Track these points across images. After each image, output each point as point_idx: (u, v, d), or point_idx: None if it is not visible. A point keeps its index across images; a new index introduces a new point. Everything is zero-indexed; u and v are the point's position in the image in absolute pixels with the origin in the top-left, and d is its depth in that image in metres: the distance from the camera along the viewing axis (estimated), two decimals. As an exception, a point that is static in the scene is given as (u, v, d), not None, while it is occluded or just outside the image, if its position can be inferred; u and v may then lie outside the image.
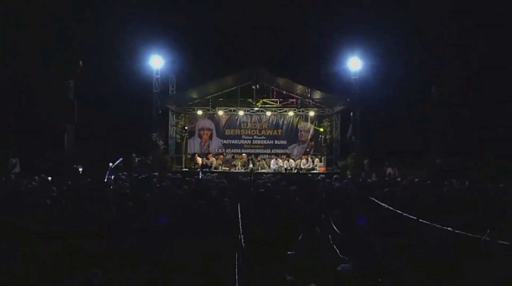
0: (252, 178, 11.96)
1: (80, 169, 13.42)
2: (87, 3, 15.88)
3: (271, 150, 18.85)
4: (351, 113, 17.03)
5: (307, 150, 18.94)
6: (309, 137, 19.10)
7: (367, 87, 16.83)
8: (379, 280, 4.08)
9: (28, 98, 14.60)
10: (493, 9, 15.94)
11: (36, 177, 9.96)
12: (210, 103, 17.90)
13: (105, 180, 11.18)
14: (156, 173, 12.85)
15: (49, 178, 10.29)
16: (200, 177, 12.51)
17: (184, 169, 16.87)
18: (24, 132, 14.15)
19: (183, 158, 17.98)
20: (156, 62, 16.72)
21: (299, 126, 19.13)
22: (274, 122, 19.09)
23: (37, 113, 14.76)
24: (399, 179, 12.29)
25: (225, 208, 6.52)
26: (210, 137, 19.07)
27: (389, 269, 4.36)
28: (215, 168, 16.81)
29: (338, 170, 16.63)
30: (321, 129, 18.67)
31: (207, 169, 16.03)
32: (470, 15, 16.66)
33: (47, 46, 14.94)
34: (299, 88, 17.80)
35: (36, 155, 13.41)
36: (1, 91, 13.99)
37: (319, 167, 17.39)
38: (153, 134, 16.43)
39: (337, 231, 5.85)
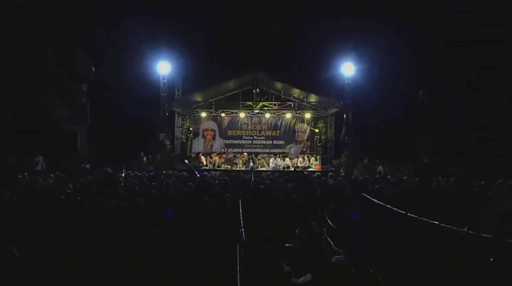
0: (252, 175, 11.93)
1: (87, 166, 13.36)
2: (100, 12, 15.88)
3: (270, 150, 18.85)
4: (345, 115, 17.05)
5: (304, 149, 18.96)
6: (305, 137, 19.12)
7: (359, 91, 16.85)
8: (371, 270, 4.08)
9: (44, 102, 14.65)
10: (478, 17, 15.96)
11: (51, 175, 9.95)
12: (213, 106, 17.94)
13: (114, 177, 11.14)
14: (164, 171, 12.84)
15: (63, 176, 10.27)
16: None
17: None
18: (42, 133, 14.17)
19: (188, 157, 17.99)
20: (163, 67, 16.73)
21: (296, 127, 19.15)
22: (273, 124, 19.10)
23: (53, 116, 14.81)
24: (389, 176, 12.28)
25: (227, 203, 6.53)
26: (213, 138, 19.08)
27: (380, 260, 4.36)
28: (218, 166, 16.82)
29: (332, 168, 16.62)
30: (317, 130, 18.68)
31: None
32: (456, 24, 16.68)
33: (62, 53, 14.97)
34: (296, 91, 17.81)
35: (54, 155, 13.42)
36: (21, 97, 14.04)
37: (315, 165, 17.41)
38: (160, 134, 16.45)
39: (332, 225, 5.85)
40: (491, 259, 3.89)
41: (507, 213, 5.34)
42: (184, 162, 15.70)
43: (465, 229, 4.55)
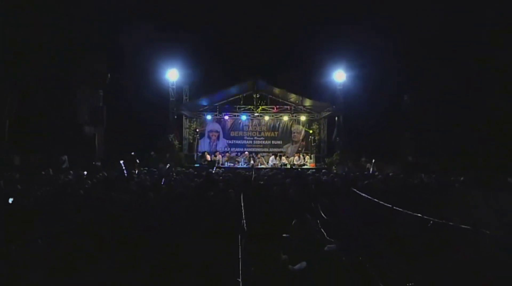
0: (253, 172, 11.93)
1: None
2: (115, 26, 15.84)
3: (269, 149, 18.85)
4: (336, 118, 17.07)
5: (299, 149, 18.95)
6: (301, 138, 19.11)
7: (350, 96, 16.88)
8: (360, 258, 4.08)
9: (68, 107, 14.73)
10: (456, 28, 15.97)
11: (71, 172, 9.94)
12: (218, 109, 17.96)
13: (126, 174, 11.08)
14: (181, 168, 12.79)
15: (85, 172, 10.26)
16: (214, 171, 12.44)
17: (195, 165, 16.86)
18: (66, 135, 14.22)
19: (195, 156, 17.99)
20: (172, 75, 16.76)
21: (292, 129, 19.14)
22: (272, 125, 19.09)
23: (75, 119, 14.89)
24: (376, 173, 12.27)
25: (230, 197, 6.51)
26: (218, 138, 19.07)
27: (368, 249, 4.35)
28: (222, 164, 16.81)
29: (325, 166, 16.63)
30: (311, 131, 18.68)
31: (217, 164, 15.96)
32: (436, 35, 16.70)
33: (82, 62, 15.04)
34: (292, 96, 17.83)
35: (74, 154, 13.42)
36: (50, 103, 14.09)
37: (309, 163, 17.40)
38: (170, 135, 16.47)
39: (325, 217, 5.84)
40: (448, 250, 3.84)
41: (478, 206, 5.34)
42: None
43: (431, 221, 4.51)
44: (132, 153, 12.37)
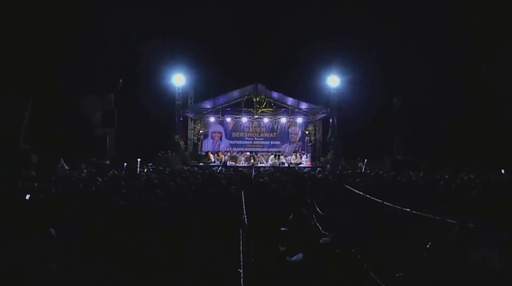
0: (253, 171, 11.91)
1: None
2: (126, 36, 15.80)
3: (268, 149, 18.84)
4: (331, 120, 17.04)
5: (296, 148, 18.93)
6: (297, 138, 19.10)
7: (343, 99, 16.87)
8: (353, 250, 4.07)
9: (82, 110, 14.78)
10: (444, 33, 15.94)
11: (84, 170, 9.92)
12: (220, 112, 17.98)
13: (138, 172, 11.11)
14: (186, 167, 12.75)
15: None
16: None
17: (200, 164, 16.85)
18: (80, 135, 14.24)
19: (199, 155, 17.99)
20: (178, 80, 16.74)
21: (290, 130, 19.13)
22: (270, 127, 19.09)
23: (89, 121, 14.93)
24: (368, 171, 12.24)
25: (232, 194, 6.49)
26: (220, 139, 19.07)
27: (361, 241, 4.34)
28: (223, 162, 16.78)
29: (320, 164, 16.60)
30: (307, 132, 18.68)
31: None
32: (425, 41, 16.68)
33: (96, 68, 15.08)
34: (290, 100, 17.83)
35: (88, 154, 13.42)
36: (65, 106, 14.11)
37: (306, 162, 17.37)
38: (176, 136, 16.44)
39: (320, 212, 5.84)
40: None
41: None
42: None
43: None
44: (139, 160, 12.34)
